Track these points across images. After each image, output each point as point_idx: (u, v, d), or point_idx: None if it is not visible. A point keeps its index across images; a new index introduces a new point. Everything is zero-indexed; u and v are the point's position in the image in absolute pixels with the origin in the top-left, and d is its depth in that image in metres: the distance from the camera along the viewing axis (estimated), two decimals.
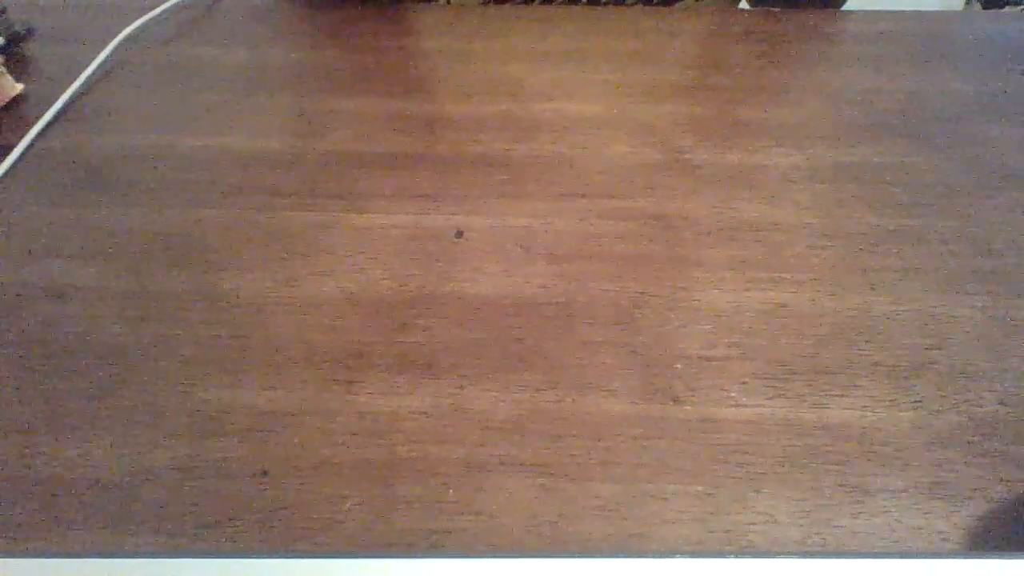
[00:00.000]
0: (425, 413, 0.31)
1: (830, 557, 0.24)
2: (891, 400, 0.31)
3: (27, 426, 0.30)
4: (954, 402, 0.31)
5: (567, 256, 0.37)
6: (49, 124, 0.45)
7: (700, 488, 0.28)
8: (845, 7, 0.57)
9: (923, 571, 0.24)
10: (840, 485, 0.28)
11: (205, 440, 0.30)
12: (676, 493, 0.28)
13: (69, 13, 0.56)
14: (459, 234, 0.38)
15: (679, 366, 0.32)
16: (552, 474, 0.29)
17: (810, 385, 0.32)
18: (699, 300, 0.35)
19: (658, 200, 0.40)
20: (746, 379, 0.32)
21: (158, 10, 0.54)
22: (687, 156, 0.43)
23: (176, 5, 0.55)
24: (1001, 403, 0.31)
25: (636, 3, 0.58)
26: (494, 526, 0.27)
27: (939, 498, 0.28)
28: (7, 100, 0.47)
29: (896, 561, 0.24)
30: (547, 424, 0.30)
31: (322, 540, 0.27)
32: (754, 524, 0.27)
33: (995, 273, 0.36)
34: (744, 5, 0.61)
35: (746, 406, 0.31)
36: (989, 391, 0.31)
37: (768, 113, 0.46)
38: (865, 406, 0.31)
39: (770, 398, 0.31)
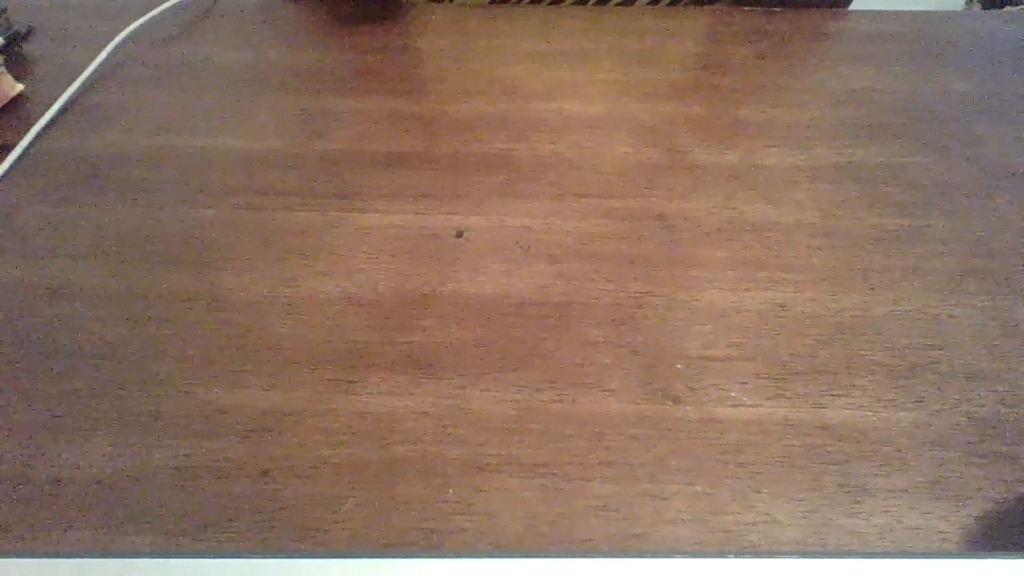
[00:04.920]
0: (425, 413, 0.31)
1: (830, 557, 0.24)
2: (891, 400, 0.31)
3: (27, 426, 0.30)
4: (954, 402, 0.31)
5: (567, 256, 0.37)
6: (49, 124, 0.45)
7: (700, 488, 0.28)
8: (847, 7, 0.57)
9: (923, 571, 0.24)
10: (840, 485, 0.28)
11: (205, 440, 0.30)
12: (676, 493, 0.28)
13: (69, 13, 0.56)
14: (459, 234, 0.38)
15: (679, 366, 0.32)
16: (552, 474, 0.29)
17: (810, 385, 0.32)
18: (699, 300, 0.35)
19: (658, 200, 0.40)
20: (746, 379, 0.32)
21: (158, 10, 0.54)
22: (687, 156, 0.43)
23: (176, 5, 0.55)
24: (1001, 403, 0.31)
25: (649, 3, 0.57)
26: (494, 526, 0.27)
27: (939, 498, 0.28)
28: (7, 100, 0.47)
29: (896, 561, 0.24)
30: (547, 424, 0.30)
31: (322, 540, 0.27)
32: (754, 524, 0.27)
33: (995, 273, 0.36)
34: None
35: (746, 406, 0.31)
36: (989, 391, 0.31)
37: (768, 113, 0.46)
38: (865, 406, 0.31)
39: (770, 398, 0.31)
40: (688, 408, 0.31)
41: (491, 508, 0.28)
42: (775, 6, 0.56)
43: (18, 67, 0.50)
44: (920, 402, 0.31)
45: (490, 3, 0.58)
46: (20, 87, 0.47)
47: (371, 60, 0.51)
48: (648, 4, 0.58)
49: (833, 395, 0.31)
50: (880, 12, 0.55)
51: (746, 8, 0.56)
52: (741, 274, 0.36)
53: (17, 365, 0.33)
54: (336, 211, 0.40)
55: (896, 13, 0.55)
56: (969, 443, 0.30)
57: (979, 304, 0.35)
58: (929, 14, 0.56)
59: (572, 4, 0.58)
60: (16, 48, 0.52)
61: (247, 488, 0.28)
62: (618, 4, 0.57)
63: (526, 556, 0.24)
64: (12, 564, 0.24)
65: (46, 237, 0.38)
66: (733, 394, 0.31)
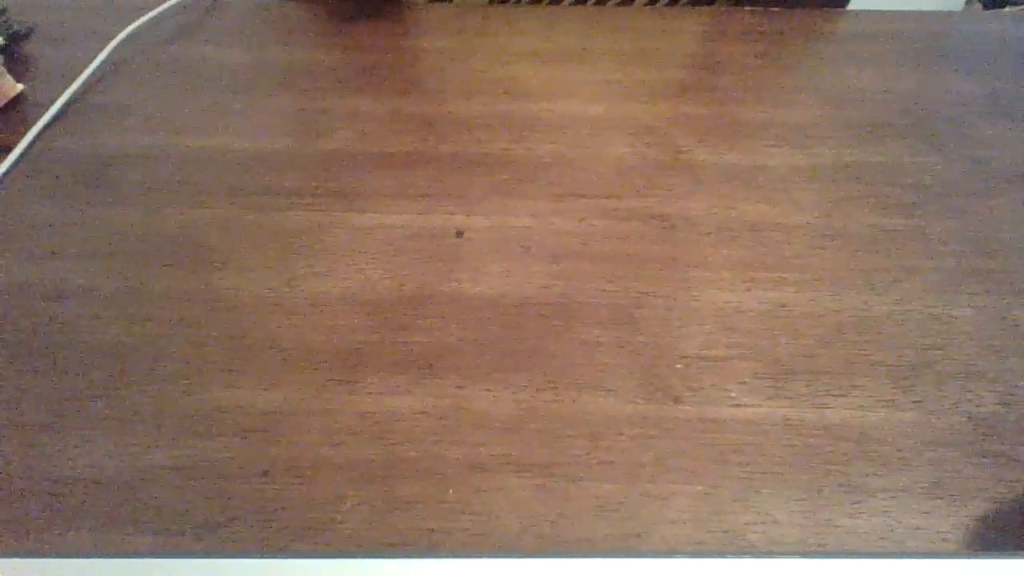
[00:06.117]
0: (425, 413, 0.31)
1: (830, 557, 0.25)
2: (891, 400, 0.31)
3: (27, 426, 0.30)
4: (954, 402, 0.31)
5: (567, 256, 0.37)
6: (49, 124, 0.45)
7: (700, 488, 0.28)
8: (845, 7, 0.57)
9: (923, 571, 0.24)
10: (840, 485, 0.28)
11: (205, 440, 0.30)
12: (676, 493, 0.28)
13: (69, 13, 0.56)
14: (459, 234, 0.38)
15: (679, 366, 0.32)
16: (552, 474, 0.29)
17: (810, 385, 0.32)
18: (699, 300, 0.35)
19: (658, 200, 0.40)
20: (746, 379, 0.32)
21: (158, 10, 0.54)
22: (687, 156, 0.43)
23: (176, 5, 0.55)
24: (1001, 403, 0.31)
25: (648, 3, 0.58)
26: (494, 526, 0.27)
27: (939, 498, 0.28)
28: (7, 100, 0.47)
29: (896, 561, 0.24)
30: (547, 424, 0.30)
31: (322, 540, 0.27)
32: (754, 524, 0.27)
33: (995, 273, 0.36)
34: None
35: (746, 406, 0.31)
36: (989, 391, 0.31)
37: (768, 113, 0.46)
38: (865, 406, 0.31)
39: (770, 398, 0.31)
40: (688, 408, 0.31)
41: (491, 508, 0.28)
42: (775, 6, 0.56)
43: (18, 67, 0.50)
44: (920, 402, 0.31)
45: (489, 3, 0.58)
46: (20, 87, 0.47)
47: (371, 60, 0.51)
48: (647, 4, 0.58)
49: (833, 395, 0.31)
50: (880, 12, 0.55)
51: (746, 8, 0.56)
52: (741, 274, 0.36)
53: (17, 365, 0.33)
54: (336, 211, 0.40)
55: (896, 13, 0.55)
56: (969, 443, 0.30)
57: (979, 304, 0.35)
58: (929, 14, 0.56)
59: (571, 4, 0.58)
60: (16, 48, 0.52)
61: (247, 488, 0.28)
62: (617, 4, 0.57)
63: (526, 556, 0.24)
64: (12, 564, 0.24)
65: (46, 237, 0.38)
66: (733, 394, 0.31)
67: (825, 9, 0.56)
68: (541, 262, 0.37)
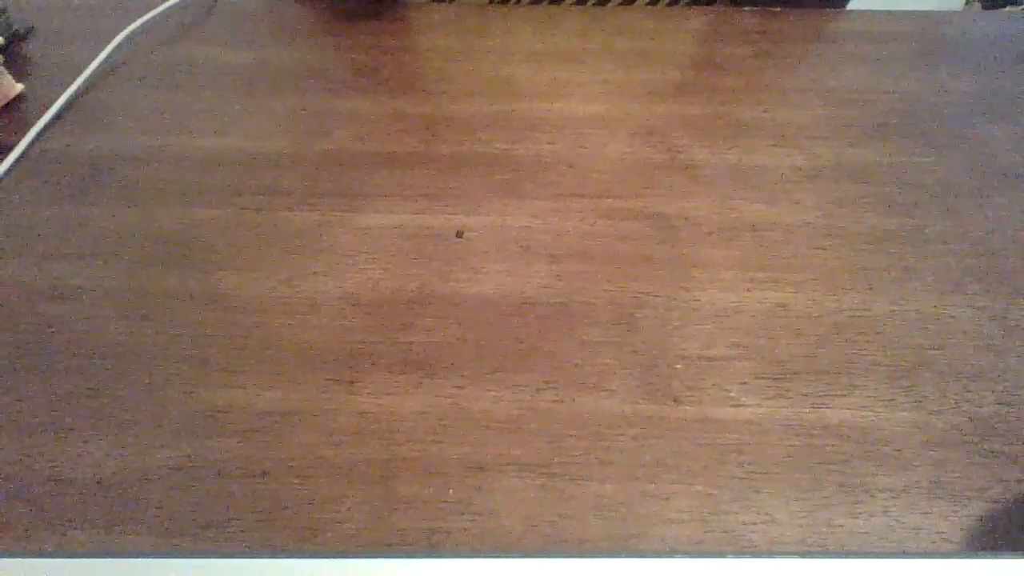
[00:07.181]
0: (425, 413, 0.31)
1: (830, 557, 0.24)
2: (891, 400, 0.31)
3: (27, 426, 0.30)
4: (954, 402, 0.31)
5: (567, 256, 0.37)
6: (49, 124, 0.45)
7: (700, 488, 0.28)
8: (845, 7, 0.57)
9: (923, 571, 0.24)
10: (840, 485, 0.28)
11: (205, 440, 0.30)
12: (676, 493, 0.28)
13: (69, 13, 0.56)
14: (459, 234, 0.38)
15: (679, 366, 0.32)
16: (552, 474, 0.29)
17: (810, 385, 0.32)
18: (699, 300, 0.35)
19: (658, 200, 0.40)
20: (746, 379, 0.32)
21: (158, 10, 0.54)
22: (687, 156, 0.43)
23: (176, 5, 0.55)
24: (1001, 403, 0.31)
25: (648, 3, 0.58)
26: (494, 526, 0.27)
27: (939, 498, 0.28)
28: (7, 100, 0.47)
29: (896, 561, 0.24)
30: (547, 424, 0.30)
31: (322, 540, 0.27)
32: (754, 524, 0.27)
33: (995, 273, 0.36)
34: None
35: (746, 406, 0.31)
36: (989, 391, 0.31)
37: (768, 113, 0.46)
38: (865, 406, 0.31)
39: (770, 398, 0.31)
40: (688, 408, 0.31)
41: (491, 508, 0.28)
42: (775, 6, 0.56)
43: (18, 67, 0.50)
44: (920, 402, 0.31)
45: (490, 3, 0.58)
46: (20, 87, 0.47)
47: (371, 60, 0.51)
48: (648, 4, 0.58)
49: (833, 395, 0.31)
50: (880, 12, 0.55)
51: (746, 8, 0.56)
52: (741, 274, 0.36)
53: (17, 365, 0.33)
54: (336, 211, 0.40)
55: (896, 13, 0.55)
56: (969, 443, 0.30)
57: (979, 304, 0.35)
58: (929, 14, 0.56)
59: (572, 4, 0.58)
60: (16, 48, 0.52)
61: (247, 488, 0.28)
62: (617, 4, 0.57)
63: (526, 556, 0.24)
64: (12, 564, 0.24)
65: (46, 237, 0.38)
66: (733, 394, 0.31)
67: (825, 9, 0.56)
68: (541, 262, 0.37)
